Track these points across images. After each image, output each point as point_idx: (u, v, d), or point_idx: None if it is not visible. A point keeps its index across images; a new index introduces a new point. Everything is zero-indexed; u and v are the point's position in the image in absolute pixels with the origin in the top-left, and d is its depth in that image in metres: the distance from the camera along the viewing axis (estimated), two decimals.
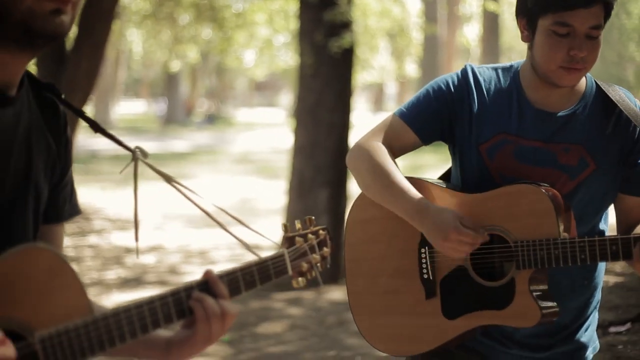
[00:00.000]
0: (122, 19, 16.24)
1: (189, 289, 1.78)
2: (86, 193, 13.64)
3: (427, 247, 2.63)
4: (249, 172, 18.17)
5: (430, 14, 27.88)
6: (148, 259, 9.72)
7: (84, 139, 22.07)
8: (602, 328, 6.25)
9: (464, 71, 2.68)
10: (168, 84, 38.10)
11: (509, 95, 2.63)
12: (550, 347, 2.66)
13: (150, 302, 1.72)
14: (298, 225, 2.07)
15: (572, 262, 2.44)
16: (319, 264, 2.05)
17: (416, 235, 2.63)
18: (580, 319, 2.69)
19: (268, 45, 18.79)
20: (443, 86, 2.67)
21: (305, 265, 2.01)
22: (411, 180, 2.65)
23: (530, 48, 2.56)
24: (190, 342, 1.81)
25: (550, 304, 2.54)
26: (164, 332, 1.86)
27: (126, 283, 8.48)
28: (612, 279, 8.03)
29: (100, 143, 20.50)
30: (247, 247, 2.04)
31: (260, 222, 10.39)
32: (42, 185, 1.74)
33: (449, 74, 2.71)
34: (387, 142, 2.68)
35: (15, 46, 1.64)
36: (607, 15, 2.49)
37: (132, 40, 29.93)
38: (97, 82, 12.30)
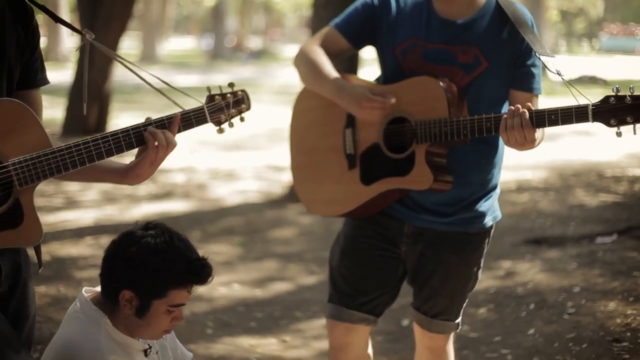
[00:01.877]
0: None
1: (146, 125, 2.50)
2: (128, 120, 14.42)
3: (350, 128, 3.27)
4: (285, 104, 18.80)
5: None
6: (178, 178, 10.46)
7: (131, 74, 22.90)
8: (589, 238, 6.84)
9: None
10: (215, 20, 38.64)
11: (420, 6, 3.23)
12: (453, 214, 3.26)
13: (114, 134, 2.44)
14: (222, 90, 2.76)
15: (457, 136, 3.07)
16: (235, 117, 2.77)
17: (342, 119, 3.28)
18: (480, 192, 3.28)
19: None
20: (369, 0, 3.28)
21: (223, 117, 2.69)
22: (342, 74, 3.28)
23: None
24: (141, 164, 2.55)
25: (445, 175, 3.17)
26: (121, 163, 2.58)
27: (155, 197, 9.22)
28: (610, 198, 8.59)
29: (146, 76, 21.26)
30: (173, 101, 2.71)
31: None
32: (14, 63, 2.43)
33: None
34: (324, 47, 3.31)
35: None
36: None
37: None
38: (132, 15, 13.00)
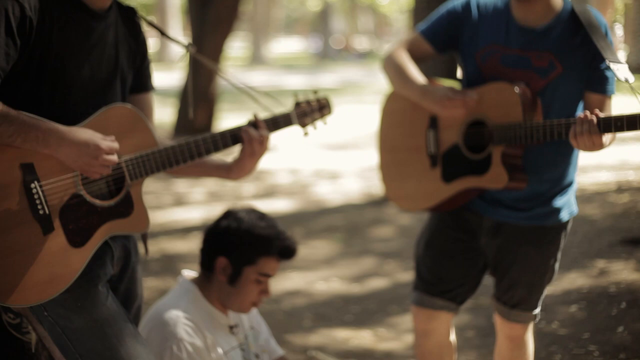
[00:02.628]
0: None
1: (241, 126, 2.89)
2: (235, 120, 14.85)
3: (433, 129, 3.48)
4: None
5: None
6: (283, 178, 10.80)
7: (241, 75, 23.44)
8: None
9: None
10: (323, 22, 39.06)
11: (500, 13, 3.41)
12: (530, 209, 3.44)
13: (213, 136, 2.78)
14: (308, 96, 3.10)
15: (531, 140, 3.25)
16: (318, 121, 3.12)
17: (425, 120, 3.50)
18: (555, 188, 3.45)
19: None
20: (453, 7, 3.49)
21: (308, 120, 3.00)
22: (426, 79, 3.50)
23: None
24: (242, 158, 2.91)
25: (520, 175, 3.35)
26: (226, 160, 2.95)
27: (260, 196, 9.56)
28: None
29: (256, 81, 21.82)
30: (264, 106, 3.03)
31: None
32: (126, 70, 2.75)
33: None
34: (410, 51, 3.55)
35: None
36: None
37: None
38: (239, 17, 13.43)
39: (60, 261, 2.54)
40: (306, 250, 7.05)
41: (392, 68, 3.54)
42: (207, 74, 12.67)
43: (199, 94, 12.70)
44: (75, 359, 2.67)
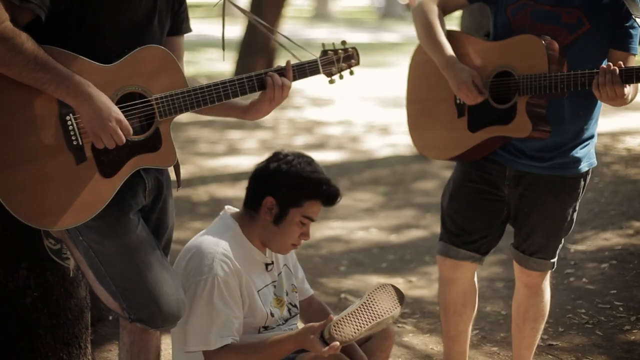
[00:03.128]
0: None
1: (268, 71, 3.02)
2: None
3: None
4: None
5: None
6: (335, 130, 10.94)
7: (302, 29, 23.53)
8: None
9: None
10: None
11: None
12: (551, 159, 3.55)
13: (240, 79, 2.92)
14: (335, 46, 3.20)
15: (555, 89, 3.35)
16: (345, 70, 3.23)
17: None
18: (576, 140, 3.55)
19: None
20: None
21: (334, 69, 3.12)
22: (453, 32, 3.61)
23: None
24: (261, 101, 3.06)
25: (543, 124, 3.46)
26: (245, 102, 3.11)
27: (310, 147, 9.73)
28: None
29: (317, 32, 21.88)
30: (292, 54, 3.15)
31: None
32: (164, 12, 2.92)
33: None
34: (440, 3, 3.64)
35: None
36: None
37: None
38: None
39: (91, 190, 2.74)
40: (349, 201, 7.22)
41: (422, 24, 3.62)
42: (270, 24, 12.78)
43: (260, 44, 12.88)
44: (106, 281, 2.89)
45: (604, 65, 3.30)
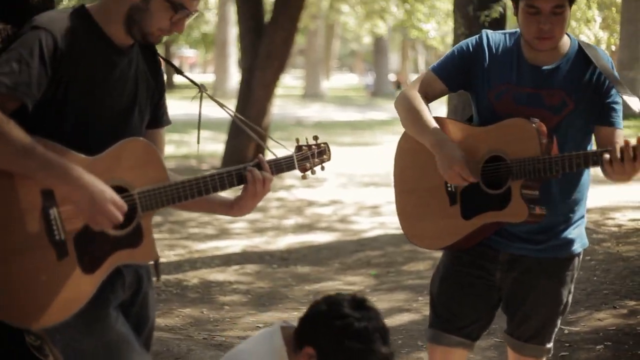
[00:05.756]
0: None
1: (246, 166, 2.97)
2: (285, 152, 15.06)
3: None
4: None
5: None
6: (325, 210, 10.92)
7: (293, 108, 23.73)
8: None
9: (481, 36, 3.58)
10: (377, 57, 39.26)
11: (511, 54, 3.51)
12: (545, 242, 3.52)
13: (220, 174, 2.88)
14: (308, 141, 3.19)
15: (550, 172, 3.33)
16: (317, 166, 3.19)
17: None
18: (569, 221, 3.53)
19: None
20: (464, 47, 3.59)
21: (308, 165, 3.09)
22: (438, 119, 3.60)
23: (517, 21, 3.46)
24: (244, 197, 3.01)
25: (538, 207, 3.42)
26: (229, 197, 3.05)
27: (300, 228, 9.69)
28: None
29: (308, 111, 22.04)
30: (269, 150, 3.12)
31: None
32: (144, 104, 2.92)
33: (470, 38, 3.62)
34: (422, 90, 3.64)
35: (133, 37, 2.83)
36: None
37: (345, 13, 31.03)
38: (291, 54, 13.65)
39: (72, 286, 2.68)
40: (340, 284, 7.16)
41: (405, 110, 3.61)
42: (260, 105, 12.86)
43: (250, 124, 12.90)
44: None
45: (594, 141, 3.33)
